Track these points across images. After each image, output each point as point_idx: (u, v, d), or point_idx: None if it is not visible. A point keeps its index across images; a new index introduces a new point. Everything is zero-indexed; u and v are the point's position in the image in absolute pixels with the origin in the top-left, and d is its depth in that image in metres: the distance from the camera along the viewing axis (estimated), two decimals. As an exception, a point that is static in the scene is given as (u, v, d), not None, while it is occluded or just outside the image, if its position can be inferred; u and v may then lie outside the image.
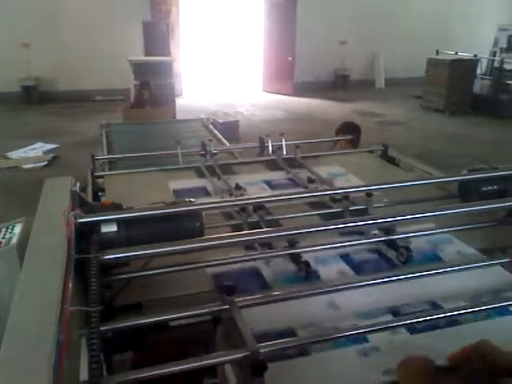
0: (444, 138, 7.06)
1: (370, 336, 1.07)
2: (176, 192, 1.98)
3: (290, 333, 1.09)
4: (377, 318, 1.14)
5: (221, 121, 6.35)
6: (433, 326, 1.10)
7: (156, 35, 9.48)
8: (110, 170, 2.73)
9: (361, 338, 1.06)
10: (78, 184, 1.30)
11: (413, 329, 1.09)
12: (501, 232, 1.61)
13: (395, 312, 1.18)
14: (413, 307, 1.20)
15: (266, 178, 2.15)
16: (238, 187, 1.92)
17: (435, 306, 1.21)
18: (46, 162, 5.98)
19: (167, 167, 2.29)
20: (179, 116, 6.62)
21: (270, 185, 2.08)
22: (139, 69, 7.40)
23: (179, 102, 8.13)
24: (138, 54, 8.96)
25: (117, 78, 8.88)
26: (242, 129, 6.93)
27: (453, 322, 1.12)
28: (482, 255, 1.46)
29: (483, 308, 1.11)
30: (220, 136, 3.78)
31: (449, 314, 1.10)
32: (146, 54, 9.13)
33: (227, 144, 3.49)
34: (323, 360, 1.01)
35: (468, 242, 1.54)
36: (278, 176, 2.18)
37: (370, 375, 0.96)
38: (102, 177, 2.20)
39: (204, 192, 2.01)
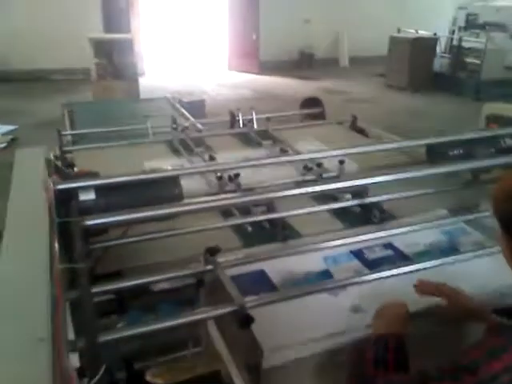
0: (408, 114, 7.22)
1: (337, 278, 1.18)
2: None
3: (260, 275, 1.18)
4: (343, 263, 1.25)
5: (187, 100, 6.24)
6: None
7: (114, 12, 9.11)
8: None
9: (330, 281, 1.17)
10: (52, 153, 1.26)
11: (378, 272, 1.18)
12: (467, 194, 1.69)
13: (358, 255, 1.29)
14: (374, 251, 1.31)
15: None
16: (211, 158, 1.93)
17: (394, 249, 1.32)
18: (4, 144, 5.72)
19: (139, 140, 2.25)
20: (142, 97, 6.43)
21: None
22: (100, 46, 7.14)
23: (142, 82, 7.87)
24: (97, 31, 8.62)
25: (74, 56, 8.48)
26: (208, 108, 6.82)
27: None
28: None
29: (450, 261, 1.20)
30: (187, 114, 3.72)
31: (421, 266, 1.18)
32: (105, 32, 8.79)
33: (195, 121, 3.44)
34: (297, 300, 1.07)
35: (437, 204, 1.61)
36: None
37: (339, 311, 1.08)
38: (70, 152, 2.14)
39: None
